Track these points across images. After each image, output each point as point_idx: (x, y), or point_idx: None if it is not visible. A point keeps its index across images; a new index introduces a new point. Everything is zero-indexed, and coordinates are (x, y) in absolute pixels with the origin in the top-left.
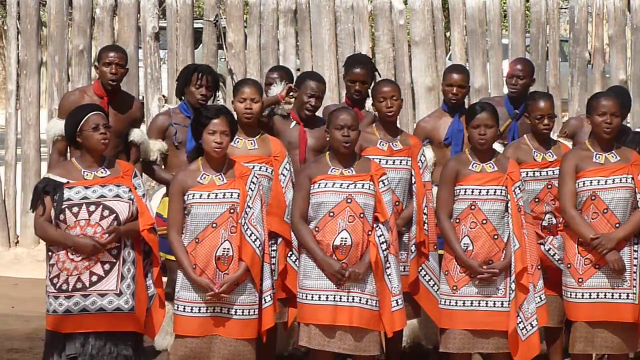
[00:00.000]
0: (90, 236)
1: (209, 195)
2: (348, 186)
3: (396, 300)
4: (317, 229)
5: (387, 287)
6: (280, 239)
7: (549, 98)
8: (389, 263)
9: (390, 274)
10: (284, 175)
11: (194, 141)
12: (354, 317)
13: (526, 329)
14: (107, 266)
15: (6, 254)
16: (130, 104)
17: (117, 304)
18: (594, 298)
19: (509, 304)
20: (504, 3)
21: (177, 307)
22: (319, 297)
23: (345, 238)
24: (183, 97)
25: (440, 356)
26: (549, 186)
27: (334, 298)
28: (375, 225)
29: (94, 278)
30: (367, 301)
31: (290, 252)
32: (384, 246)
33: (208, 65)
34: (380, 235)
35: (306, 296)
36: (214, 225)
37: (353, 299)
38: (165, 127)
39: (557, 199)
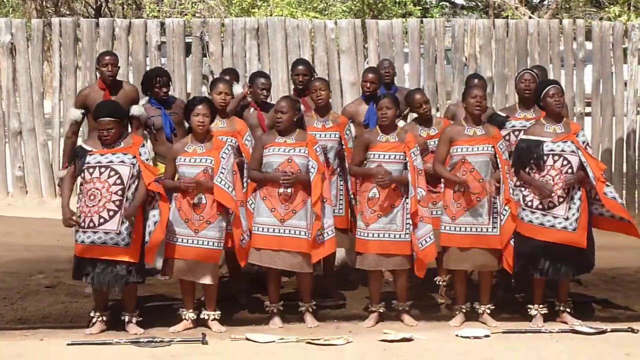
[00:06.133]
0: (73, 213)
1: (190, 160)
2: (289, 150)
3: (327, 231)
4: None
5: (322, 221)
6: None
7: (420, 91)
8: (325, 206)
9: (326, 213)
10: (246, 144)
11: (177, 124)
12: (293, 244)
13: (421, 244)
14: (111, 212)
15: (53, 202)
16: (126, 88)
17: (116, 240)
18: (463, 231)
19: (405, 234)
20: (405, 23)
21: (168, 238)
22: (267, 230)
23: (287, 187)
24: (149, 94)
25: (359, 272)
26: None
27: (278, 230)
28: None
29: (101, 220)
30: (305, 232)
31: None
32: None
33: (159, 67)
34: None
35: (258, 229)
36: None
37: (295, 231)
38: (145, 119)
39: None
